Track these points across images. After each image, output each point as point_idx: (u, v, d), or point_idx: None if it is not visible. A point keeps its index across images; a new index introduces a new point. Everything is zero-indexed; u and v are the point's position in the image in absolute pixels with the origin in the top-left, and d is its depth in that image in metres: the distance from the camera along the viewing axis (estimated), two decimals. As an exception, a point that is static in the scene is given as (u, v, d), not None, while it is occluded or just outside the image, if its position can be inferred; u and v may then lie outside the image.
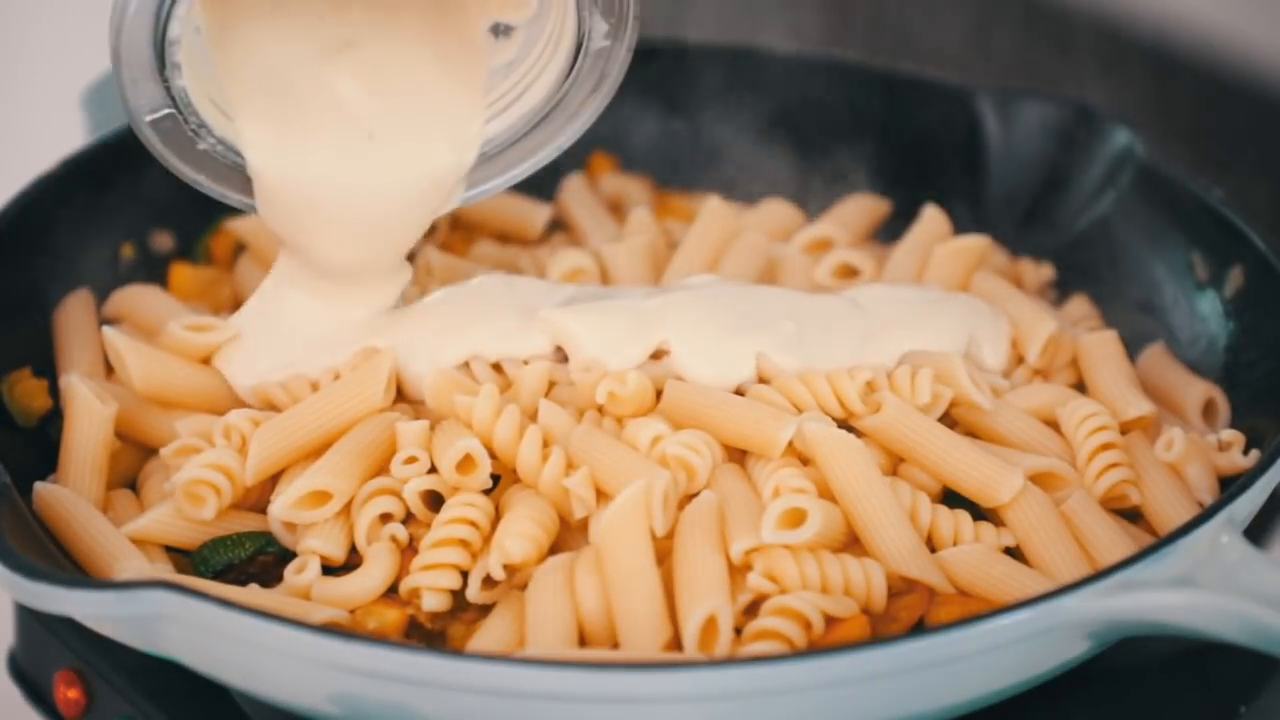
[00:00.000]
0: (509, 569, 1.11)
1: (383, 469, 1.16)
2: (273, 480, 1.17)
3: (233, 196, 1.21)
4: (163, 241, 1.39)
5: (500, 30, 1.21)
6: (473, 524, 1.12)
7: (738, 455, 1.16)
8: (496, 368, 1.21)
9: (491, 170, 1.24)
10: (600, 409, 1.18)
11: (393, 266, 1.24)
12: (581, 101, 1.22)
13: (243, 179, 1.20)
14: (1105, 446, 1.18)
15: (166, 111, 1.13)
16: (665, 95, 1.49)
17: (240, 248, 1.38)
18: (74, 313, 1.30)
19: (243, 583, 1.13)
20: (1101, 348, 1.28)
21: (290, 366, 1.22)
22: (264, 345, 1.23)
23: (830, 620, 1.07)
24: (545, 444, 1.15)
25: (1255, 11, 1.87)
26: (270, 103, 1.18)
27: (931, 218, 1.39)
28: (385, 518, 1.15)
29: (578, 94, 1.22)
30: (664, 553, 1.10)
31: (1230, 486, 1.11)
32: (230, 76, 1.17)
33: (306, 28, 1.18)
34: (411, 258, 1.26)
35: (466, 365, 1.21)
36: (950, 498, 1.16)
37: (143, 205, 1.37)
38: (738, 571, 1.09)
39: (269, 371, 1.22)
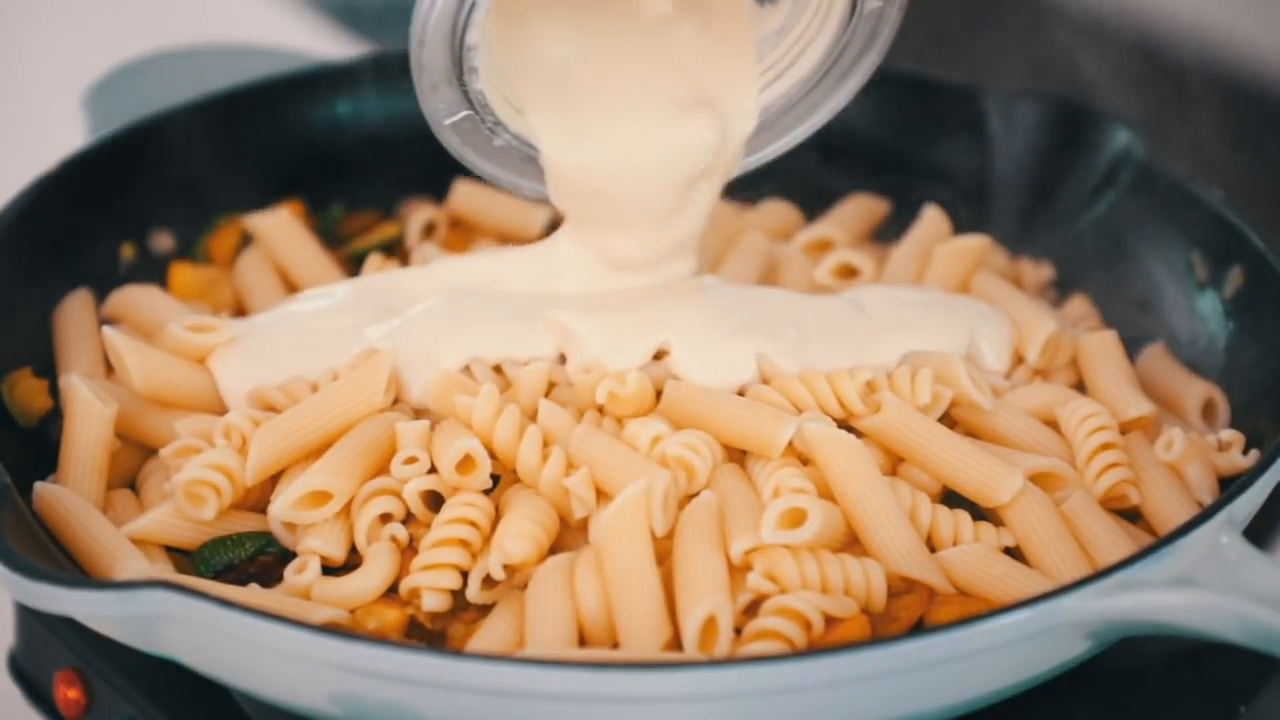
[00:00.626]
0: (509, 569, 1.11)
1: (383, 469, 1.16)
2: (273, 480, 1.17)
3: (527, 186, 1.22)
4: (163, 241, 1.39)
5: None
6: (473, 524, 1.12)
7: (738, 455, 1.16)
8: (496, 369, 1.21)
9: (769, 135, 1.25)
10: (600, 409, 1.18)
11: (677, 255, 1.25)
12: (854, 61, 1.22)
13: (537, 169, 1.22)
14: (1105, 446, 1.18)
15: (465, 114, 1.16)
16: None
17: (240, 248, 1.38)
18: (74, 313, 1.30)
19: (243, 583, 1.13)
20: (1101, 348, 1.28)
21: (287, 372, 1.22)
22: (264, 352, 1.23)
23: (830, 620, 1.07)
24: (545, 444, 1.15)
25: (1255, 11, 1.87)
26: (556, 94, 1.20)
27: (931, 218, 1.39)
28: (385, 518, 1.15)
29: (850, 55, 1.22)
30: (664, 553, 1.10)
31: (1230, 486, 1.11)
32: (517, 72, 1.18)
33: (582, 18, 1.19)
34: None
35: (467, 368, 1.21)
36: (950, 498, 1.16)
37: (143, 205, 1.37)
38: (738, 571, 1.09)
39: (265, 377, 1.22)
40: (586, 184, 1.21)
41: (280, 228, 1.37)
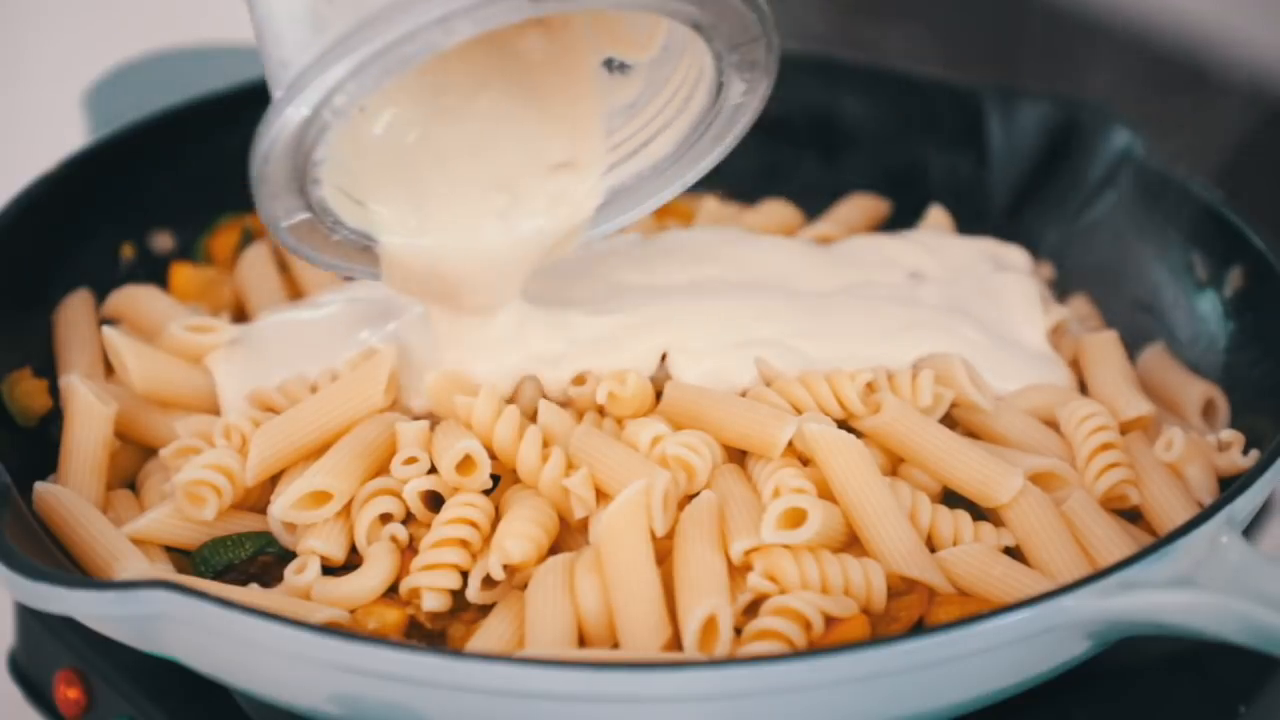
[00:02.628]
0: (509, 569, 1.11)
1: (383, 469, 1.16)
2: (273, 480, 1.17)
3: (363, 273, 1.19)
4: (163, 241, 1.39)
5: (616, 66, 1.18)
6: (473, 524, 1.12)
7: (738, 455, 1.16)
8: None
9: (615, 210, 1.21)
10: (600, 409, 1.18)
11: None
12: (708, 148, 1.19)
13: (373, 257, 1.18)
14: (1105, 446, 1.18)
15: (302, 217, 1.13)
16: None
17: (240, 248, 1.38)
18: (74, 313, 1.30)
19: (243, 583, 1.13)
20: (1101, 348, 1.28)
21: (286, 373, 1.22)
22: (263, 353, 1.23)
23: (830, 620, 1.07)
24: (545, 444, 1.15)
25: (1255, 11, 1.87)
26: (396, 183, 1.18)
27: (936, 217, 1.39)
28: (385, 518, 1.15)
29: (705, 142, 1.19)
30: (664, 553, 1.10)
31: (1230, 486, 1.11)
32: (356, 162, 1.16)
33: (421, 103, 1.17)
34: None
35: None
36: (950, 498, 1.16)
37: (143, 205, 1.37)
38: (738, 571, 1.09)
39: (264, 379, 1.22)
40: (424, 269, 1.18)
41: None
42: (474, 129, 1.18)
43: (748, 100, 1.16)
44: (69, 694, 1.18)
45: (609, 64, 1.17)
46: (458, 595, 1.11)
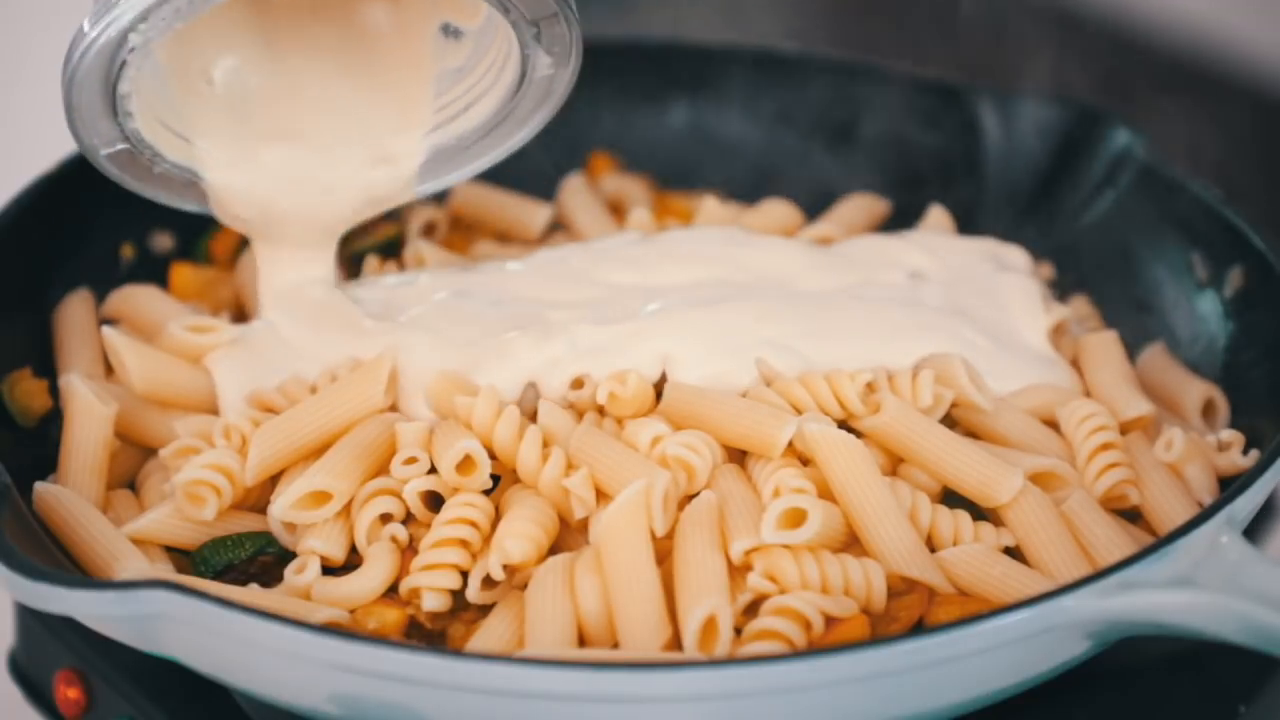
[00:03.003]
0: (509, 569, 1.11)
1: (383, 469, 1.16)
2: (273, 481, 1.17)
3: (189, 206, 1.26)
4: (163, 241, 1.39)
5: (451, 31, 1.25)
6: (473, 524, 1.12)
7: (738, 455, 1.16)
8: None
9: (444, 168, 1.28)
10: (600, 409, 1.18)
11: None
12: (529, 113, 1.25)
13: (199, 191, 1.26)
14: (1105, 446, 1.18)
15: (121, 146, 1.21)
16: (666, 95, 1.49)
17: (240, 248, 1.38)
18: (74, 313, 1.30)
19: (243, 583, 1.13)
20: (1101, 348, 1.28)
21: (285, 374, 1.22)
22: (263, 356, 1.23)
23: (830, 620, 1.07)
24: (545, 444, 1.15)
25: (1255, 11, 1.87)
26: (225, 121, 1.24)
27: (936, 217, 1.39)
28: (385, 518, 1.15)
29: (524, 108, 1.25)
30: (664, 553, 1.10)
31: (1230, 486, 1.11)
32: (185, 98, 1.23)
33: (260, 46, 1.24)
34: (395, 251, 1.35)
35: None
36: (950, 498, 1.16)
37: (143, 205, 1.37)
38: (738, 571, 1.09)
39: (264, 378, 1.22)
40: (253, 207, 1.26)
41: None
42: (311, 81, 1.25)
43: (558, 73, 1.22)
44: (69, 694, 1.18)
45: (445, 29, 1.24)
46: (458, 595, 1.11)
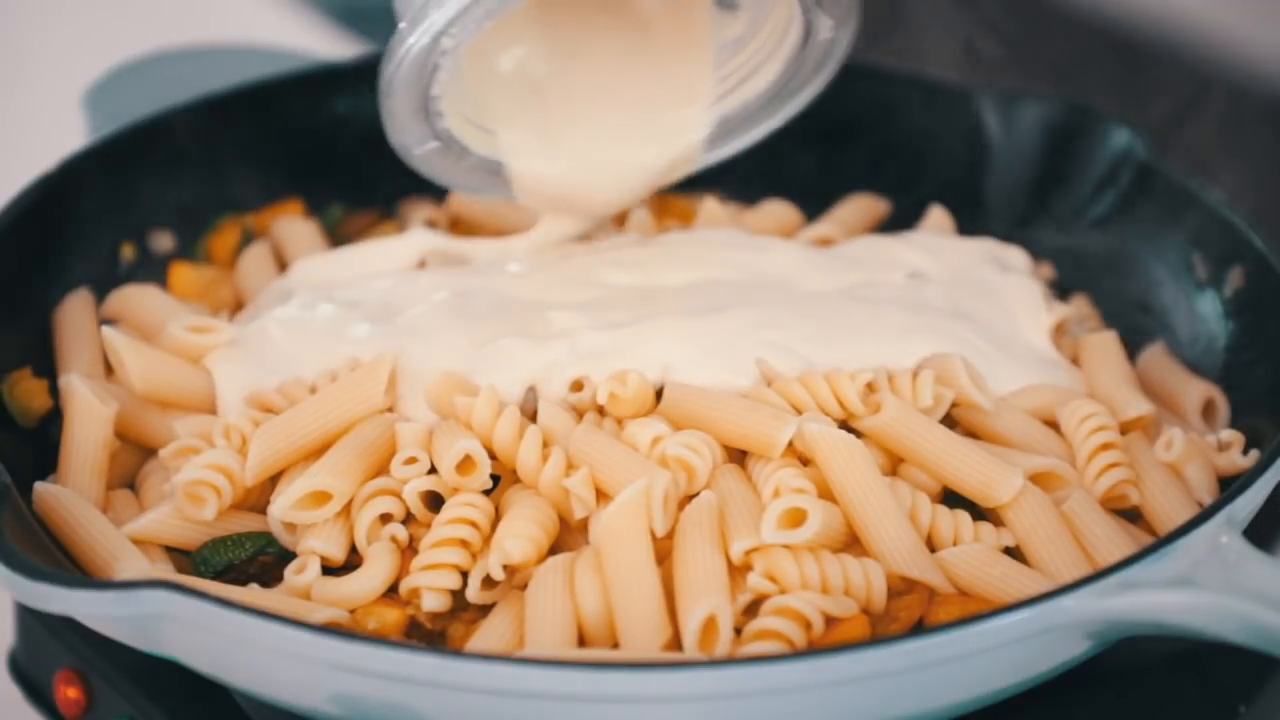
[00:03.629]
0: (509, 569, 1.11)
1: (383, 469, 1.16)
2: (273, 480, 1.17)
3: (499, 194, 1.31)
4: (163, 241, 1.39)
5: (726, 3, 1.29)
6: (473, 524, 1.12)
7: (738, 456, 1.16)
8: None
9: (730, 134, 1.32)
10: (600, 410, 1.18)
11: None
12: (806, 79, 1.29)
13: (502, 180, 1.30)
14: (1105, 446, 1.18)
15: (433, 145, 1.25)
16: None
17: (240, 248, 1.38)
18: (74, 313, 1.30)
19: (243, 583, 1.13)
20: (1101, 348, 1.28)
21: (285, 374, 1.22)
22: (263, 355, 1.23)
23: (830, 620, 1.07)
24: (545, 444, 1.15)
25: (1254, 11, 1.87)
26: (527, 111, 1.29)
27: (937, 218, 1.39)
28: (385, 518, 1.15)
29: (805, 71, 1.29)
30: (664, 553, 1.10)
31: (1230, 486, 1.11)
32: (486, 95, 1.28)
33: (553, 36, 1.28)
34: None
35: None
36: (950, 498, 1.16)
37: (143, 205, 1.37)
38: (738, 571, 1.09)
39: (263, 379, 1.22)
40: (555, 192, 1.30)
41: (291, 227, 1.38)
42: (598, 64, 1.29)
43: (839, 35, 1.26)
44: (69, 694, 1.18)
45: (720, 1, 1.28)
46: (458, 595, 1.11)
